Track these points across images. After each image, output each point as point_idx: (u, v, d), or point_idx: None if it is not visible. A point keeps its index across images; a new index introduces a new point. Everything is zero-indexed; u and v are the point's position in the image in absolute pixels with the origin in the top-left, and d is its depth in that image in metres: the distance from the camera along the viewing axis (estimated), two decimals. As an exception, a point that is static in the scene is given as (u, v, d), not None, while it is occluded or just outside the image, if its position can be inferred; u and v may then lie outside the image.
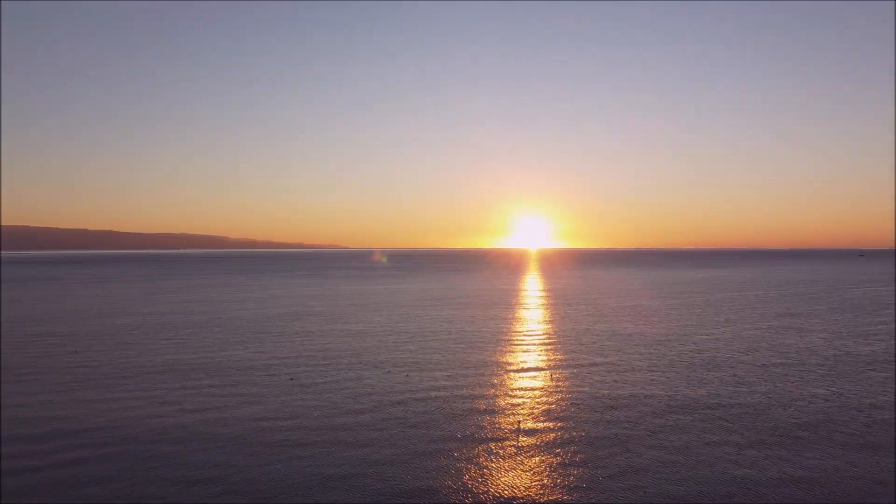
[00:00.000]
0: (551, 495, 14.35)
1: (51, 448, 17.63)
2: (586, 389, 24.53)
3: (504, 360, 31.04)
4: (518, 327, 43.60)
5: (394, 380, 26.34)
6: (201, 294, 76.24)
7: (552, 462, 16.46)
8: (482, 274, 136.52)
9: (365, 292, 78.93)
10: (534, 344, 36.12)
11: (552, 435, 18.74)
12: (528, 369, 28.74)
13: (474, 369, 28.55)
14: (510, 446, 17.72)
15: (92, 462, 16.51)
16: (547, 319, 48.29)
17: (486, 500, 14.11)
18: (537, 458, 16.72)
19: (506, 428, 19.46)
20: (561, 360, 30.94)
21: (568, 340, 37.12)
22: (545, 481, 15.15)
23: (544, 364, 29.96)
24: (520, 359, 31.34)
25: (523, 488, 14.75)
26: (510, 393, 24.10)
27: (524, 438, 18.41)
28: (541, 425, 19.74)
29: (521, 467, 16.08)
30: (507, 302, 64.45)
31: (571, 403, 22.40)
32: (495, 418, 20.54)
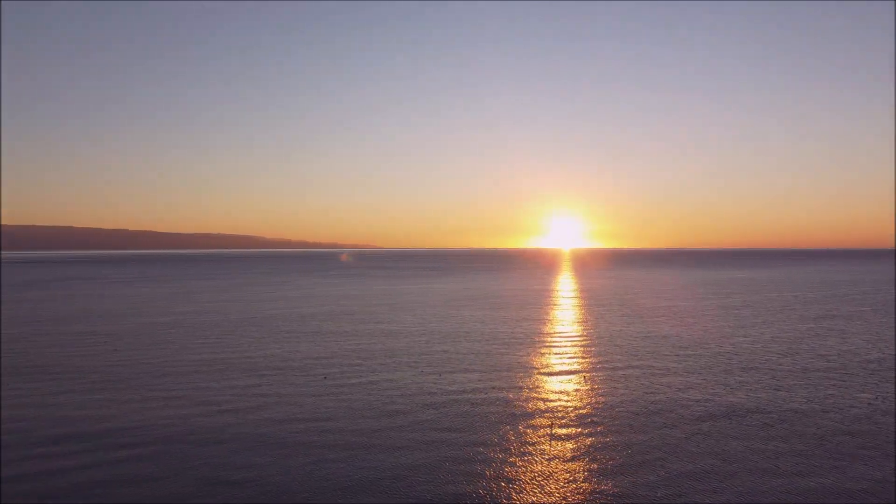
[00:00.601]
0: None
1: (88, 448, 18.02)
2: (621, 393, 24.22)
3: (537, 362, 30.84)
4: (551, 328, 43.30)
5: (427, 380, 26.36)
6: (237, 293, 77.42)
7: (586, 469, 16.26)
8: (515, 274, 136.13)
9: (398, 292, 79.26)
10: (567, 345, 35.81)
11: (586, 441, 18.52)
12: (562, 372, 28.49)
13: (507, 371, 28.41)
14: (544, 452, 17.56)
15: (130, 462, 16.84)
16: (580, 320, 47.87)
17: (520, 506, 13.99)
18: (572, 465, 16.53)
19: (539, 433, 19.29)
20: (595, 362, 30.62)
21: (602, 342, 36.72)
22: (581, 489, 14.98)
23: (578, 366, 29.68)
24: (553, 361, 31.10)
25: (558, 496, 14.59)
26: (543, 396, 23.91)
27: (558, 444, 18.24)
28: (574, 430, 19.53)
29: (556, 475, 15.92)
30: (540, 302, 64.08)
31: (606, 408, 22.12)
32: (528, 423, 20.39)
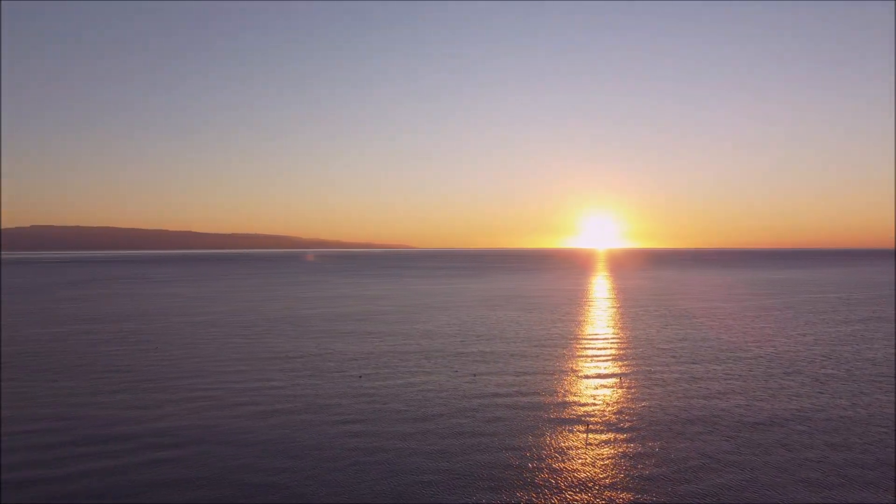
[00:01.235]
0: (622, 511, 13.96)
1: (129, 448, 18.39)
2: (659, 397, 23.81)
3: (572, 364, 30.53)
4: (587, 330, 42.85)
5: (462, 382, 26.29)
6: (273, 292, 78.42)
7: (623, 477, 16.00)
8: (550, 274, 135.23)
9: (432, 292, 79.37)
10: (603, 348, 35.39)
11: (623, 448, 18.24)
12: (598, 375, 28.14)
13: (542, 374, 28.18)
14: (579, 459, 17.35)
15: (168, 464, 17.13)
16: (616, 322, 47.28)
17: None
18: (608, 473, 16.28)
19: (575, 440, 19.07)
20: (631, 365, 30.18)
21: (639, 344, 36.20)
22: (617, 499, 14.74)
23: (614, 370, 29.29)
24: (589, 364, 30.75)
25: None
26: (579, 401, 23.64)
27: (593, 451, 18.00)
28: (611, 437, 19.25)
29: (592, 483, 15.69)
30: (575, 303, 63.51)
31: (643, 413, 21.77)
32: (563, 428, 20.17)
